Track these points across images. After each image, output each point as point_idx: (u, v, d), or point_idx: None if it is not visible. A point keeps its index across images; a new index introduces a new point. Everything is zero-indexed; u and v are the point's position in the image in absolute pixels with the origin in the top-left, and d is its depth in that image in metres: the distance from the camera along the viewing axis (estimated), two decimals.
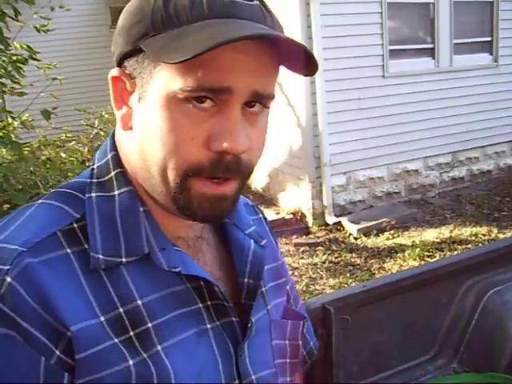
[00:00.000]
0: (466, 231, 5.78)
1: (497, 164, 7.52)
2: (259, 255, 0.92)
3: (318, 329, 1.73)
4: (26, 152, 3.87)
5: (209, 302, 0.82)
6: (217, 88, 0.70)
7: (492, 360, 1.96)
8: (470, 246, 5.40)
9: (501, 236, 5.55)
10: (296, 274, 5.09)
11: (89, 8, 10.27)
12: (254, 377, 0.85)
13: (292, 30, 5.66)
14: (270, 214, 6.32)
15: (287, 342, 0.95)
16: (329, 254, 5.49)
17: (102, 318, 0.73)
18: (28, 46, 3.85)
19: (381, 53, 6.25)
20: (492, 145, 7.35)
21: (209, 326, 0.81)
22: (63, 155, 4.20)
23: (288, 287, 1.07)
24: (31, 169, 3.71)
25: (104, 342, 0.72)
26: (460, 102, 6.86)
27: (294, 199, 6.49)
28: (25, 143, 4.07)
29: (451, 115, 6.81)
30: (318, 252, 5.56)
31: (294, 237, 5.91)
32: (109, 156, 0.83)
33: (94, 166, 0.84)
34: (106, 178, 0.82)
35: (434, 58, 6.68)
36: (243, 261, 0.90)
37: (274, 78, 0.77)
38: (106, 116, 4.28)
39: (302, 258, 5.45)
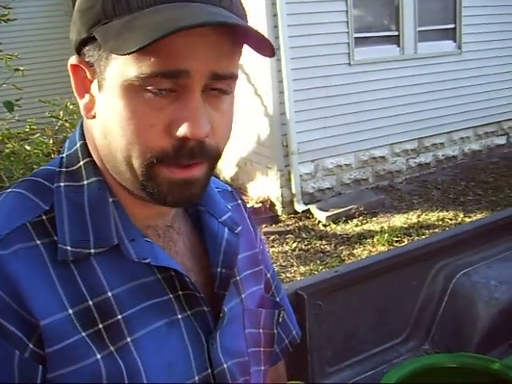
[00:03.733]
0: (432, 216, 5.87)
1: (462, 149, 7.63)
2: (233, 244, 0.91)
3: None
4: None
5: (180, 292, 0.81)
6: (173, 71, 0.68)
7: (463, 340, 2.00)
8: (437, 230, 5.48)
9: (467, 220, 5.65)
10: None
11: None
12: (225, 365, 0.84)
13: (257, 21, 5.63)
14: None
15: (261, 330, 0.95)
16: (299, 242, 5.52)
17: (71, 311, 0.72)
18: None
19: (346, 40, 6.27)
20: (457, 130, 7.45)
21: (179, 316, 0.80)
22: (28, 148, 4.12)
23: (269, 275, 1.06)
24: None
25: (72, 336, 0.71)
26: (425, 88, 6.93)
27: (263, 188, 6.49)
28: None
29: (416, 102, 6.88)
30: (287, 240, 5.58)
31: (264, 225, 5.92)
32: (77, 145, 0.82)
33: (64, 155, 0.82)
34: (75, 167, 0.80)
35: (398, 46, 6.73)
36: (216, 250, 0.89)
37: (234, 58, 0.74)
38: (71, 107, 4.21)
39: (273, 246, 5.47)
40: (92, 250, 0.75)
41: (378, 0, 6.58)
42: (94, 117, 0.76)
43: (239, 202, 1.05)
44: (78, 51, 0.76)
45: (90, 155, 0.80)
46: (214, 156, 0.76)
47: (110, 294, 0.75)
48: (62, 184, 0.78)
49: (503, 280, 2.10)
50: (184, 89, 0.70)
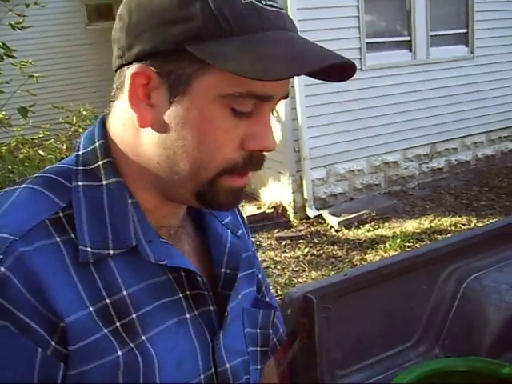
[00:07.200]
0: (445, 221, 5.84)
1: (475, 154, 7.59)
2: (236, 245, 0.94)
3: (301, 318, 1.75)
4: (3, 151, 3.83)
5: (188, 292, 0.83)
6: (264, 96, 0.75)
7: (473, 344, 1.99)
8: (449, 235, 5.45)
9: (480, 225, 5.61)
10: (278, 267, 5.10)
11: (64, 5, 10.16)
12: (228, 365, 0.87)
13: None
14: (252, 209, 6.32)
15: (258, 330, 0.97)
16: (311, 247, 5.51)
17: (92, 309, 0.72)
18: (3, 44, 3.80)
19: (358, 46, 6.27)
20: (470, 135, 7.42)
21: (188, 315, 0.82)
22: (42, 153, 4.16)
23: (260, 276, 1.09)
24: (9, 167, 3.67)
25: (95, 333, 0.72)
26: (437, 93, 6.91)
27: (275, 193, 6.50)
28: (2, 143, 4.03)
29: (429, 107, 6.86)
30: (299, 245, 5.58)
31: (276, 231, 5.92)
32: (97, 144, 0.81)
33: (80, 153, 0.82)
34: (94, 166, 0.80)
35: (410, 51, 6.71)
36: (221, 251, 0.91)
37: None
38: (85, 113, 4.25)
39: (284, 251, 5.47)
40: (111, 251, 0.76)
41: (389, 5, 6.58)
42: (149, 126, 0.77)
43: None
44: (140, 60, 0.75)
45: (109, 155, 0.81)
46: None
47: (125, 292, 0.76)
48: (80, 183, 0.78)
49: None
50: (261, 108, 0.77)
